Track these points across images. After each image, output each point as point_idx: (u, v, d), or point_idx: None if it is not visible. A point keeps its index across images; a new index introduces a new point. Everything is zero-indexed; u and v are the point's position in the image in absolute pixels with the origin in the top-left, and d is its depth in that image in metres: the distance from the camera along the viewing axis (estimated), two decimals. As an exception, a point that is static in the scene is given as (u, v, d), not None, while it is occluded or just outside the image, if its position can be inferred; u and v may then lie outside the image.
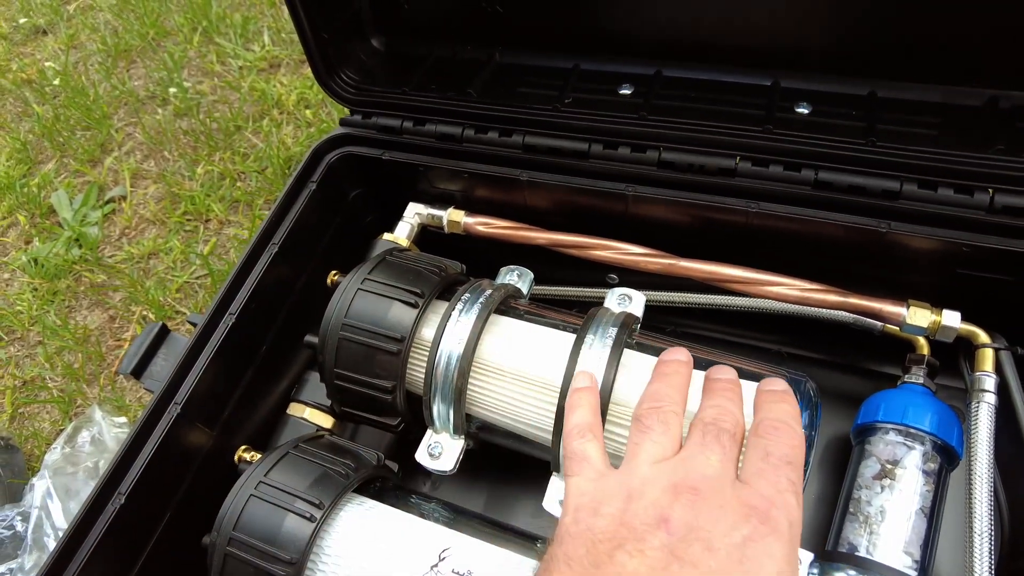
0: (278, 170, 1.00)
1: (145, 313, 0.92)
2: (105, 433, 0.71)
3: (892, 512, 0.44)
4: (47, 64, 1.32)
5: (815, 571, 0.44)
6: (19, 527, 0.64)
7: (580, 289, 0.63)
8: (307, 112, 1.07)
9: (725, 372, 0.41)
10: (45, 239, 1.04)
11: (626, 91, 0.55)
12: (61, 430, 0.81)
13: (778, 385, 0.39)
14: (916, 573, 0.42)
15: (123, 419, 0.76)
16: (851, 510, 0.46)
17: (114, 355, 0.89)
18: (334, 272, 0.58)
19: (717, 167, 0.52)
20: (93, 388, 0.86)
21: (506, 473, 0.57)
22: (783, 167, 0.50)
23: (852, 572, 0.42)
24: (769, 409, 0.37)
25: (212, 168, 1.04)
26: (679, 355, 0.42)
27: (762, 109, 0.52)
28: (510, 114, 0.56)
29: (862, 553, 0.44)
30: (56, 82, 1.27)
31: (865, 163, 0.48)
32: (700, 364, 0.47)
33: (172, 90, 1.19)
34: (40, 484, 0.64)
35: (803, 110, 0.51)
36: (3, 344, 0.94)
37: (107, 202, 1.07)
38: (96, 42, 1.36)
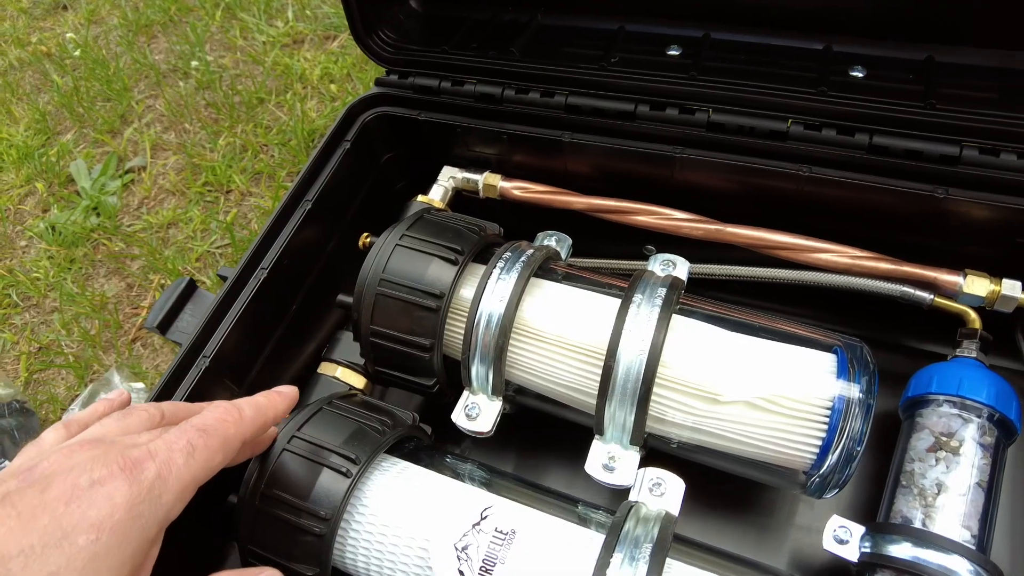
0: (301, 142, 0.98)
1: (164, 281, 0.91)
2: (124, 397, 0.69)
3: (949, 485, 0.43)
4: (68, 35, 1.31)
5: (867, 544, 0.42)
6: (35, 488, 0.63)
7: (616, 262, 0.61)
8: (332, 87, 1.05)
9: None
10: (63, 207, 1.03)
11: (674, 52, 0.54)
12: (77, 395, 0.80)
13: (283, 388, 0.42)
14: (975, 548, 0.41)
15: (140, 384, 0.75)
16: (903, 483, 0.45)
17: (131, 323, 0.87)
18: (366, 234, 0.57)
19: (768, 130, 0.50)
20: (110, 355, 0.84)
21: (537, 438, 0.55)
22: (836, 131, 0.49)
23: (908, 543, 0.41)
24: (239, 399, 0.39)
25: (234, 140, 1.03)
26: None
27: (815, 72, 0.50)
28: (553, 73, 0.54)
29: (917, 526, 0.42)
30: (76, 53, 1.26)
31: (923, 127, 0.47)
32: (748, 327, 0.46)
33: (194, 63, 1.18)
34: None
35: (857, 74, 0.50)
36: (19, 310, 0.93)
37: (126, 172, 1.05)
38: (117, 16, 1.35)
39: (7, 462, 0.68)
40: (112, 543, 0.29)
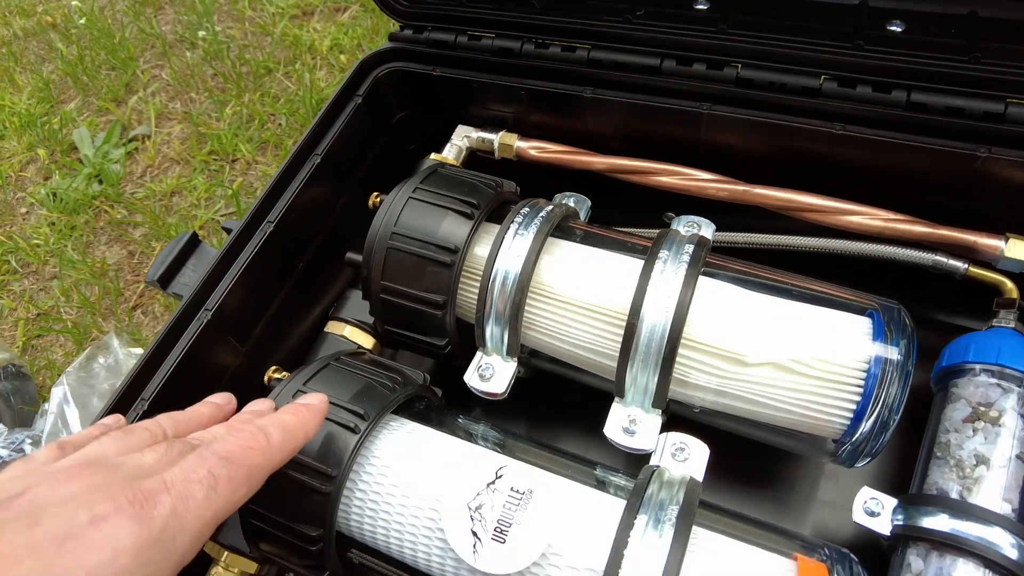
0: (309, 112, 0.96)
1: (166, 250, 0.89)
2: (121, 361, 0.67)
3: (988, 457, 0.41)
4: (73, 3, 1.29)
5: (900, 516, 0.40)
6: (28, 451, 0.61)
7: (636, 230, 0.59)
8: (342, 57, 1.03)
9: (256, 404, 0.38)
10: (65, 175, 1.01)
11: (702, 6, 0.51)
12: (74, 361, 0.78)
13: (310, 399, 0.36)
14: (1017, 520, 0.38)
15: (139, 350, 0.73)
16: (938, 454, 0.42)
17: (132, 290, 0.85)
18: (376, 194, 0.55)
19: (800, 86, 0.48)
20: (109, 322, 0.83)
21: (551, 403, 0.53)
22: (872, 87, 0.47)
23: (944, 515, 0.39)
24: (257, 410, 0.34)
25: (241, 109, 1.01)
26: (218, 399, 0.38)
27: (850, 27, 0.48)
28: (575, 26, 0.52)
29: (954, 497, 0.40)
30: (82, 22, 1.24)
31: (965, 82, 0.44)
32: (778, 289, 0.43)
33: (201, 33, 1.16)
34: (57, 391, 0.61)
35: (896, 28, 0.47)
36: (17, 277, 0.91)
37: (130, 140, 1.03)
38: (124, -14, 1.33)
39: (1, 425, 0.66)
40: None
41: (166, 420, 0.34)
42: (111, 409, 0.43)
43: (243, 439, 0.31)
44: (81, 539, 0.24)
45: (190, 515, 0.27)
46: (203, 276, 0.47)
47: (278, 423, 0.33)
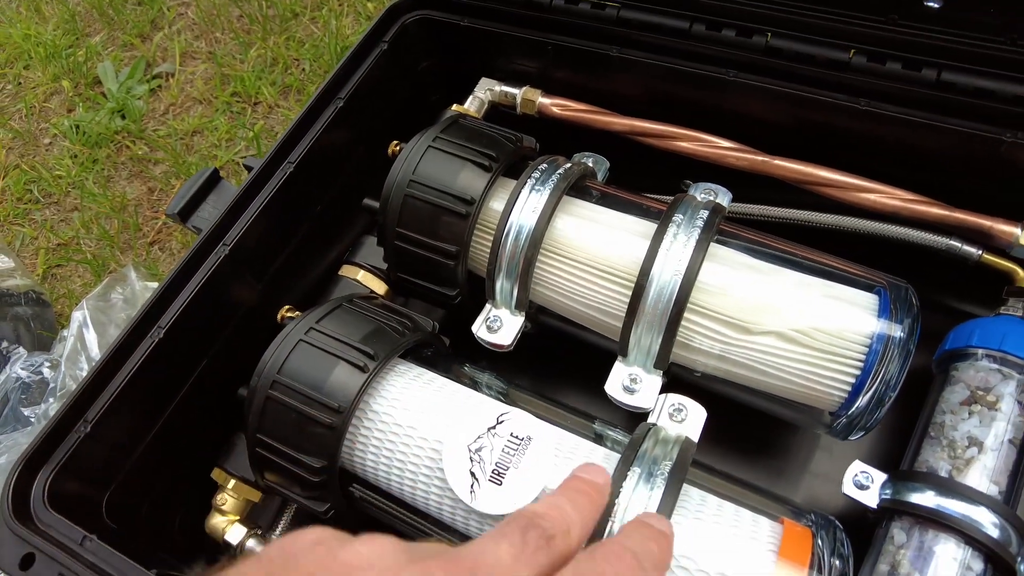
0: (334, 58, 0.96)
1: (185, 188, 0.90)
2: (138, 293, 0.69)
3: (981, 439, 0.41)
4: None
5: (888, 491, 0.41)
6: (47, 373, 0.63)
7: (652, 195, 0.59)
8: (369, 4, 1.02)
9: (593, 473, 0.30)
10: (88, 108, 1.01)
11: (736, -29, 0.51)
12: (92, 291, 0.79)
13: (659, 523, 0.28)
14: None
15: (156, 284, 0.75)
16: (932, 434, 0.43)
17: (150, 225, 0.87)
18: (395, 143, 0.55)
19: (828, 59, 0.47)
20: (127, 256, 0.84)
21: (554, 359, 0.54)
22: (902, 64, 0.46)
23: (931, 491, 0.39)
24: (629, 535, 0.26)
25: (265, 52, 1.01)
26: (597, 477, 0.30)
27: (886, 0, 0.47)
28: (606, -17, 0.51)
29: (943, 475, 0.41)
30: (110, -46, 1.23)
31: (999, 63, 0.44)
32: (788, 260, 0.44)
33: (228, -28, 1.15)
34: (77, 315, 0.63)
35: (932, 4, 0.47)
36: (39, 206, 0.92)
37: (154, 77, 1.04)
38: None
39: (21, 348, 0.68)
40: None
41: (555, 526, 0.25)
42: (130, 332, 0.44)
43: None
44: None
45: None
46: (223, 212, 0.47)
47: (654, 556, 0.25)
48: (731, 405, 0.46)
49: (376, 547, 0.22)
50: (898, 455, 0.46)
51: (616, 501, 0.34)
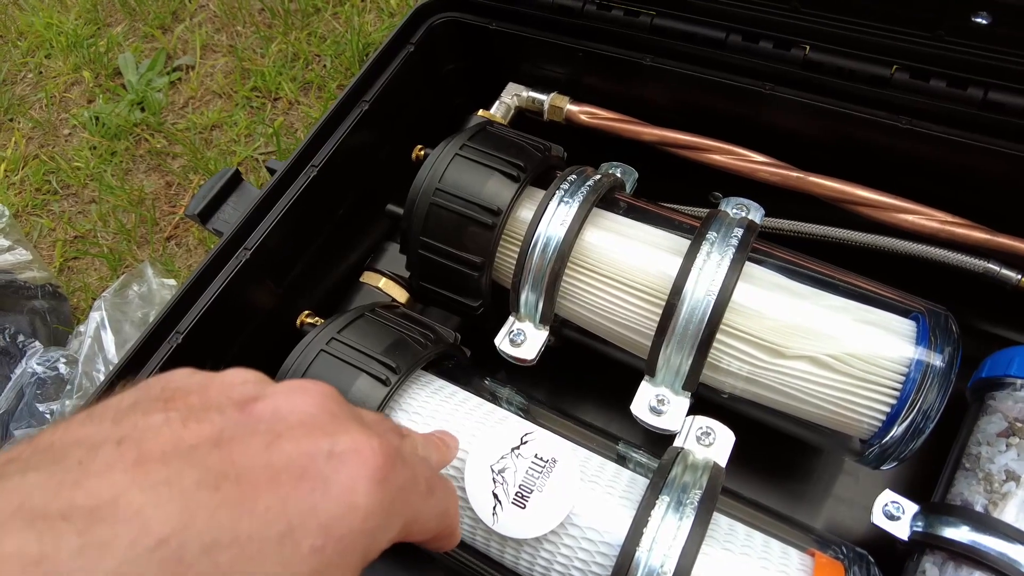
0: (356, 55, 0.95)
1: (204, 182, 0.89)
2: (154, 290, 0.68)
3: (1019, 473, 0.40)
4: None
5: (920, 523, 0.40)
6: (63, 369, 0.63)
7: (681, 208, 0.58)
8: (392, 1, 1.01)
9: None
10: (108, 99, 1.01)
11: (776, -19, 0.49)
12: (108, 286, 0.79)
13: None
14: (1042, 539, 0.38)
15: (172, 281, 0.74)
16: (966, 465, 0.42)
17: (167, 220, 0.86)
18: (420, 147, 0.54)
19: (869, 74, 0.46)
20: (144, 251, 0.84)
21: (577, 375, 0.53)
22: (946, 82, 0.45)
23: (966, 526, 0.38)
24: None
25: (286, 47, 1.00)
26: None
27: (932, 14, 0.46)
28: (641, -10, 0.50)
29: (979, 510, 0.39)
30: (132, -56, 1.23)
31: (1049, 85, 0.42)
32: (823, 282, 0.42)
33: (251, -35, 1.14)
34: (95, 315, 0.62)
35: (981, 20, 0.45)
36: (58, 198, 0.92)
37: (174, 70, 1.03)
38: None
39: (37, 343, 0.68)
40: (333, 563, 0.18)
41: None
42: (148, 336, 0.43)
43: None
44: (318, 479, 0.18)
45: (411, 507, 0.21)
46: (245, 215, 0.47)
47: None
48: (752, 425, 0.45)
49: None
50: (924, 483, 0.45)
51: (643, 531, 0.33)
